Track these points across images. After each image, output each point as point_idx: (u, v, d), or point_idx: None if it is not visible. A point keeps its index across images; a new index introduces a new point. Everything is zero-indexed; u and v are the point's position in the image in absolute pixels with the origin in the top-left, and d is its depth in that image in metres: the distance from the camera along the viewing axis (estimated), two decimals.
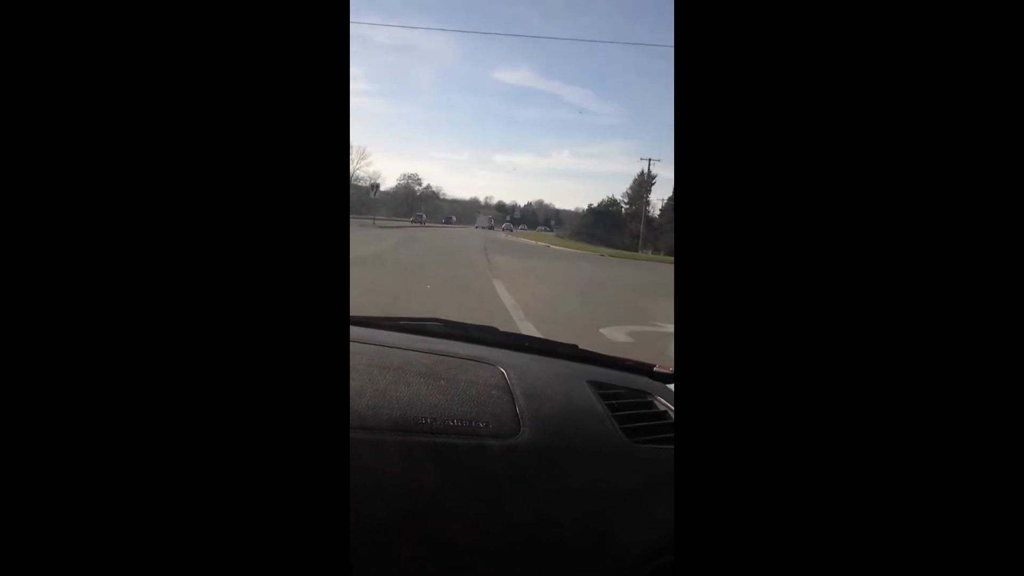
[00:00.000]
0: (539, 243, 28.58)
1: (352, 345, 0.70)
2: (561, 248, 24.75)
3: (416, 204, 64.31)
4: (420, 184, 72.36)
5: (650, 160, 34.80)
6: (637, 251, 30.89)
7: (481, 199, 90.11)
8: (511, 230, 50.38)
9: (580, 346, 0.98)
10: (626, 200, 43.64)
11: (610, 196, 45.26)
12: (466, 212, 76.06)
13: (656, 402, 0.84)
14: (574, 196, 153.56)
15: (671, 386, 0.92)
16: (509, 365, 0.81)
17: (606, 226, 42.43)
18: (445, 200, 77.72)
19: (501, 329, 1.00)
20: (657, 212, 39.22)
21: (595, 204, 45.52)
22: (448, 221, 57.69)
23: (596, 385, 0.82)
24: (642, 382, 0.90)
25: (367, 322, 0.94)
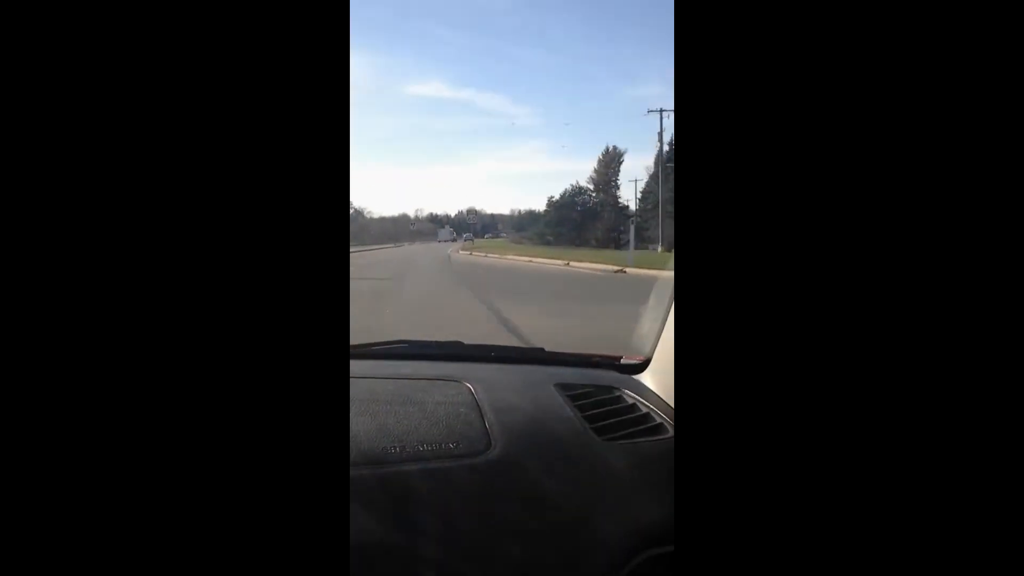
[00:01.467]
0: (540, 260, 15.89)
1: None
2: (583, 266, 13.03)
3: None
4: None
5: (661, 111, 26.02)
6: (648, 249, 22.78)
7: (411, 214, 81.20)
8: (472, 240, 38.43)
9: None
10: (591, 186, 36.30)
11: (574, 184, 37.61)
12: (396, 229, 67.07)
13: (624, 396, 0.84)
14: (504, 200, 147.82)
15: (638, 376, 0.92)
16: (476, 379, 0.82)
17: (573, 223, 34.94)
18: (372, 219, 68.22)
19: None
20: (637, 197, 31.94)
21: (556, 197, 37.87)
22: None
23: (564, 387, 0.82)
24: (610, 377, 0.90)
25: None
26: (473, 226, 38.49)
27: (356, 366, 0.86)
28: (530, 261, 16.70)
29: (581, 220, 34.74)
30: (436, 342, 1.02)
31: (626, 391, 0.85)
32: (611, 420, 0.76)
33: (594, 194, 36.12)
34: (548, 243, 32.96)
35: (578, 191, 36.65)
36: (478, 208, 77.79)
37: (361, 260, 17.93)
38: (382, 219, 71.10)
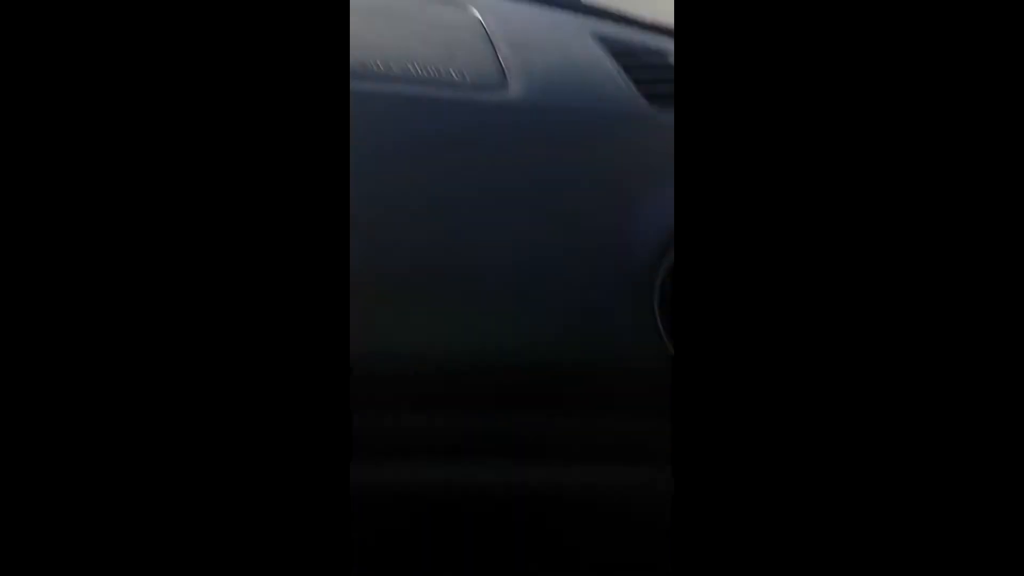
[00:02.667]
0: None
1: None
2: None
3: None
4: None
5: None
6: None
7: None
8: None
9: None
10: None
11: None
12: None
13: None
14: None
15: None
16: (484, 8, 0.63)
17: None
18: None
19: None
20: None
21: None
22: None
23: (605, 41, 0.64)
24: (667, 44, 0.71)
25: None
26: None
27: None
28: None
29: None
30: None
31: None
32: (663, 86, 0.57)
33: None
34: None
35: None
36: None
37: None
38: None
